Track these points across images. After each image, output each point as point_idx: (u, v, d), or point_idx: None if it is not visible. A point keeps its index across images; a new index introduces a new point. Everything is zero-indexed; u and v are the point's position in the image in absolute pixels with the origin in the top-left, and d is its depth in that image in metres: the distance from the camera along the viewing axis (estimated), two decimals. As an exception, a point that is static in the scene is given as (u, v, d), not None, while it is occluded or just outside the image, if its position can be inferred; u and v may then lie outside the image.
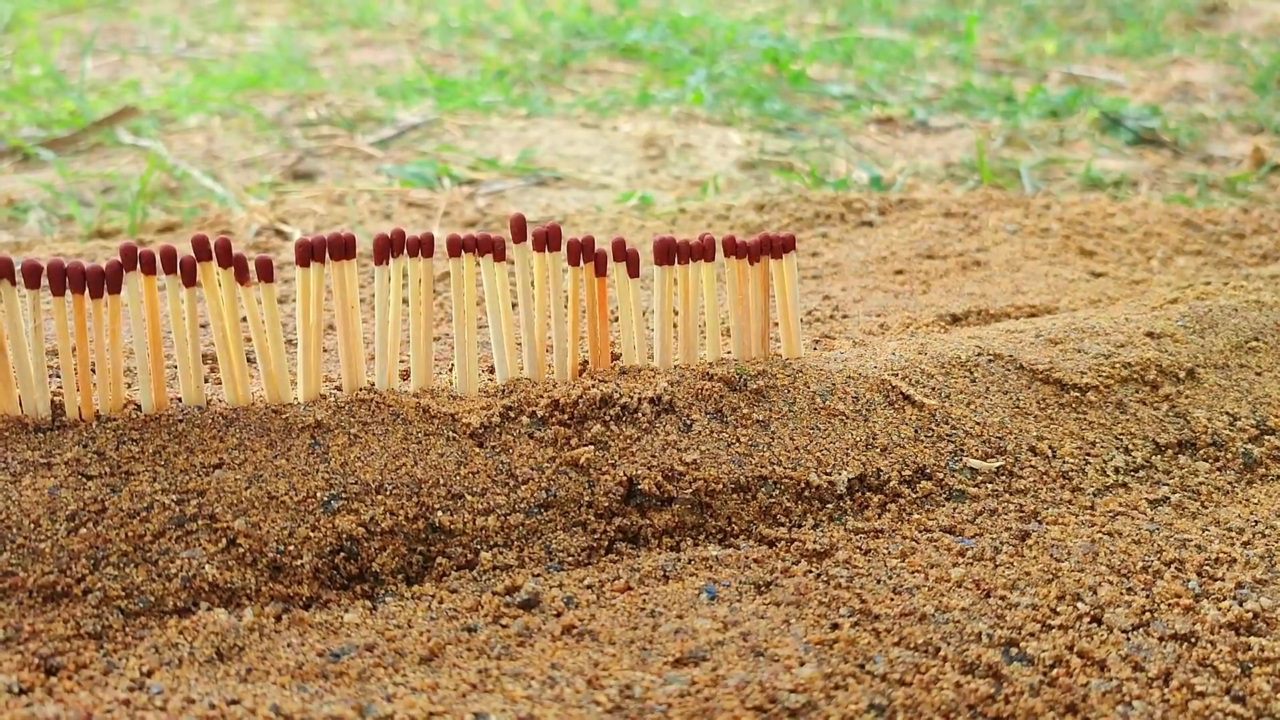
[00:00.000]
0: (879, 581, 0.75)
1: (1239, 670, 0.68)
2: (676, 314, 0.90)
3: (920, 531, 0.82)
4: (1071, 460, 0.90)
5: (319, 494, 0.76)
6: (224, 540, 0.73)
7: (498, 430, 0.82)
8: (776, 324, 0.95)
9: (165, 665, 0.66)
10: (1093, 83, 2.68)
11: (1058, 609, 0.73)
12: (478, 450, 0.81)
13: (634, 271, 0.88)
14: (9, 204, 1.64)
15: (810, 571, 0.77)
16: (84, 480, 0.74)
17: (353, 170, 1.87)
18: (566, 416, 0.84)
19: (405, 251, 0.84)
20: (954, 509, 0.85)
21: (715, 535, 0.81)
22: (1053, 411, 0.94)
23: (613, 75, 2.63)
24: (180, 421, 0.78)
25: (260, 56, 2.61)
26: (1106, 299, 1.25)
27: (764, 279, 0.91)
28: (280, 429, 0.79)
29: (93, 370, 0.78)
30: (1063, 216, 1.57)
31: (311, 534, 0.75)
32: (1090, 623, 0.72)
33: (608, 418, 0.84)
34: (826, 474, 0.85)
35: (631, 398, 0.85)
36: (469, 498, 0.79)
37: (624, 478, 0.81)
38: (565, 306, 0.88)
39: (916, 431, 0.89)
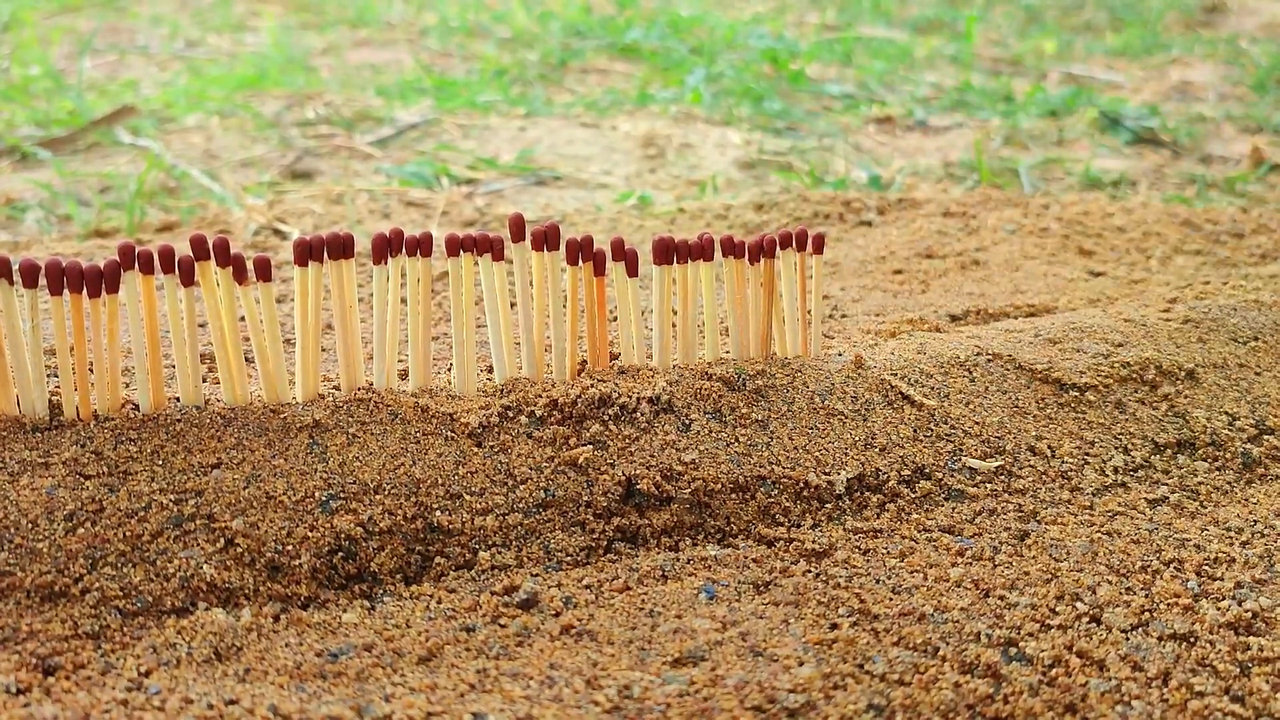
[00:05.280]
0: (878, 581, 0.75)
1: (1238, 670, 0.68)
2: (675, 313, 0.90)
3: (919, 531, 0.82)
4: (1070, 460, 0.90)
5: (317, 494, 0.76)
6: (222, 540, 0.73)
7: (496, 430, 0.82)
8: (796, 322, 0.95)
9: (163, 665, 0.66)
10: (1092, 82, 2.68)
11: (1057, 609, 0.73)
12: (476, 450, 0.81)
13: (633, 271, 0.88)
14: (7, 203, 1.64)
15: (809, 571, 0.76)
16: (82, 480, 0.73)
17: (351, 170, 1.87)
18: (565, 416, 0.83)
19: (404, 251, 0.83)
20: (953, 509, 0.85)
21: (714, 535, 0.81)
22: (1052, 411, 0.94)
23: (612, 75, 2.63)
24: (178, 421, 0.78)
25: (259, 56, 2.61)
26: (1105, 298, 1.25)
27: (768, 278, 0.91)
28: (278, 429, 0.79)
29: (91, 370, 0.78)
30: (1062, 216, 1.57)
31: (310, 534, 0.74)
32: (1089, 622, 0.72)
33: (606, 417, 0.84)
34: (825, 474, 0.85)
35: (630, 397, 0.85)
36: (467, 497, 0.78)
37: (622, 477, 0.81)
38: (564, 306, 0.88)
39: (915, 431, 0.89)
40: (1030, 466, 0.89)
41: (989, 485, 0.87)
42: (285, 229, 1.55)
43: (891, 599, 0.73)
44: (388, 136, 2.05)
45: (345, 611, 0.72)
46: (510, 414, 0.83)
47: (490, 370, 0.96)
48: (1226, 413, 0.97)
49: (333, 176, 1.84)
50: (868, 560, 0.78)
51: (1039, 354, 0.99)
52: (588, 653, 0.68)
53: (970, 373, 0.96)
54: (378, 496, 0.77)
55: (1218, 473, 0.92)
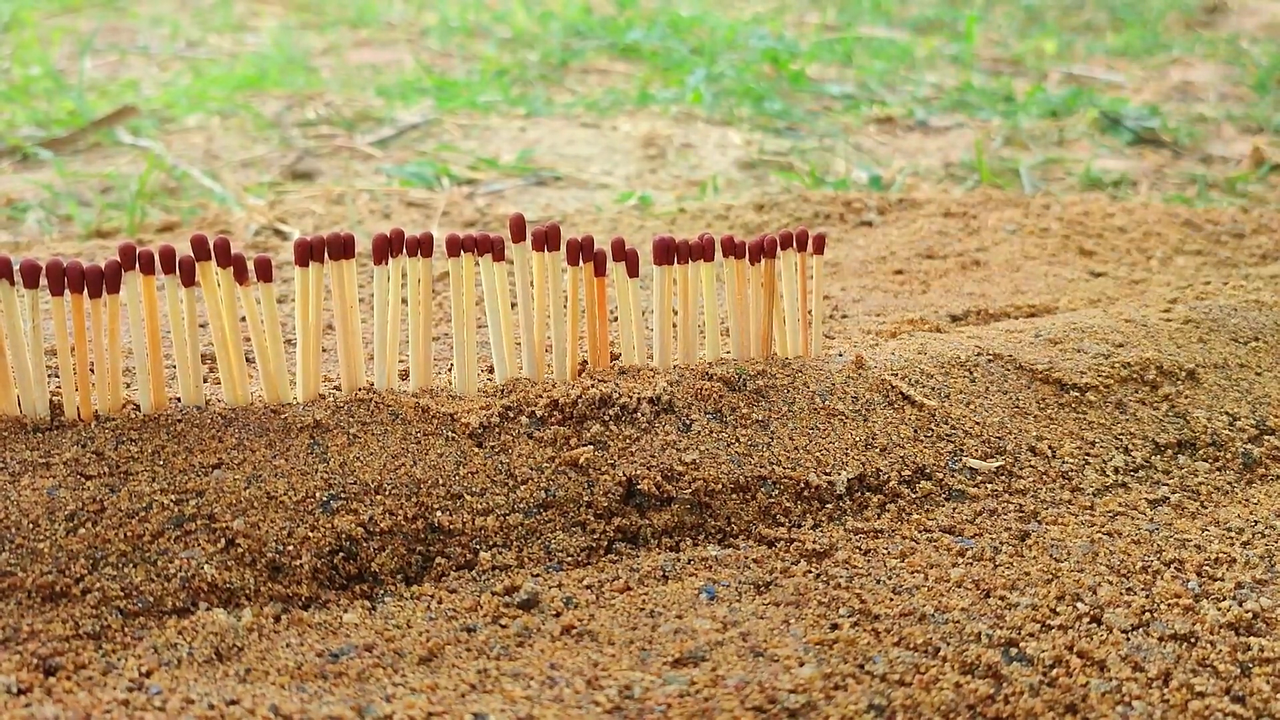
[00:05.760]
0: (879, 581, 0.75)
1: (1239, 670, 0.68)
2: (676, 314, 0.90)
3: (920, 531, 0.82)
4: (1071, 460, 0.90)
5: (318, 494, 0.76)
6: (223, 540, 0.73)
7: (497, 430, 0.82)
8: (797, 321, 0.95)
9: (164, 665, 0.66)
10: (1093, 83, 2.68)
11: (1057, 609, 0.73)
12: (477, 450, 0.81)
13: (633, 271, 0.88)
14: (8, 204, 1.64)
15: (810, 571, 0.77)
16: (83, 480, 0.74)
17: (352, 170, 1.87)
18: (565, 416, 0.84)
19: (404, 251, 0.83)
20: (954, 509, 0.85)
21: (715, 535, 0.81)
22: (1052, 411, 0.94)
23: (612, 75, 2.63)
24: (179, 421, 0.78)
25: (259, 56, 2.61)
26: (1106, 299, 1.25)
27: (769, 279, 0.91)
28: (279, 429, 0.79)
29: (91, 370, 0.78)
30: (1062, 216, 1.57)
31: (310, 534, 0.74)
32: (1090, 623, 0.72)
33: (607, 418, 0.84)
34: (826, 474, 0.85)
35: (631, 398, 0.85)
36: (468, 498, 0.78)
37: (623, 478, 0.81)
38: (564, 306, 0.88)
39: (916, 431, 0.89)
40: (1031, 467, 0.89)
41: (990, 485, 0.87)
42: (286, 229, 1.55)
43: (892, 599, 0.73)
44: (388, 137, 2.05)
45: (346, 612, 0.72)
46: (511, 414, 0.83)
47: (491, 370, 0.96)
48: (1227, 413, 0.97)
49: (333, 177, 1.84)
50: (868, 560, 0.78)
51: (1040, 354, 0.99)
52: (588, 653, 0.68)
53: (971, 373, 0.96)
54: (378, 497, 0.77)
55: (1218, 473, 0.92)
